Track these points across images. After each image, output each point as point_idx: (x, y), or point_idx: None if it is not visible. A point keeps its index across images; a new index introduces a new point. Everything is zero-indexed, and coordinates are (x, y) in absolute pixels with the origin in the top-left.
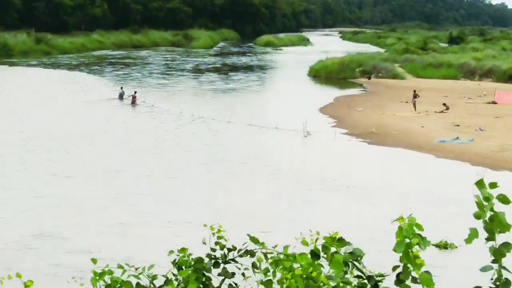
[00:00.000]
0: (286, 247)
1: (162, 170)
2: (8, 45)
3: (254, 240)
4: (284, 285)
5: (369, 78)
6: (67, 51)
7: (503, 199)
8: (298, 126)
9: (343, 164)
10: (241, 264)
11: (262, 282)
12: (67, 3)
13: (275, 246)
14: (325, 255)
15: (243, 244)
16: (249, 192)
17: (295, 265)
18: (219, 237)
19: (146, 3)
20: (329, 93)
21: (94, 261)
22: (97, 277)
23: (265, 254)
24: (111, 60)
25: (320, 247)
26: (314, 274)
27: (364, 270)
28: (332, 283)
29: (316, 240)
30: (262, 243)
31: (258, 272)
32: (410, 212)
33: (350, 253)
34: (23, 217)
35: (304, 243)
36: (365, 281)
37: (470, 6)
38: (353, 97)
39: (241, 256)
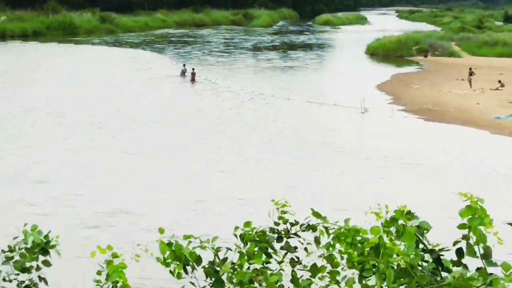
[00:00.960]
0: (347, 221)
1: (229, 148)
2: (74, 24)
3: (316, 214)
4: (345, 258)
5: (426, 56)
6: (131, 30)
7: None
8: (356, 103)
9: (402, 141)
10: (304, 239)
11: (324, 257)
12: None
13: (337, 221)
14: (394, 228)
15: (305, 219)
16: (315, 170)
17: (357, 238)
18: (283, 212)
19: None
20: (386, 71)
21: (161, 230)
22: (164, 247)
23: (326, 229)
24: (173, 39)
25: (389, 220)
26: (388, 244)
27: (427, 244)
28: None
29: (387, 213)
30: (324, 217)
31: (320, 247)
32: (475, 189)
33: (417, 226)
34: (98, 194)
35: (377, 215)
36: (427, 253)
37: None
38: (410, 74)
39: (303, 230)
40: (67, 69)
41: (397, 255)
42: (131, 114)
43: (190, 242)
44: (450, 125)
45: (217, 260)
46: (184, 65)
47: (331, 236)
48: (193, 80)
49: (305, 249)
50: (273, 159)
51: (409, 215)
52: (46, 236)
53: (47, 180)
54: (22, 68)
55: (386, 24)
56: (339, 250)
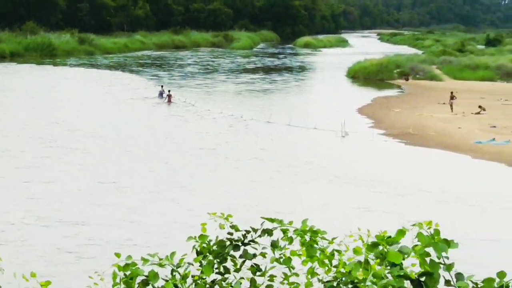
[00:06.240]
0: (304, 221)
1: (210, 170)
2: (52, 45)
3: (270, 220)
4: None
5: (407, 80)
6: (110, 51)
7: None
8: (336, 127)
9: (382, 165)
10: (259, 244)
11: (280, 261)
12: (110, 4)
13: (291, 222)
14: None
15: (261, 224)
16: (306, 194)
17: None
18: (232, 223)
19: (187, 4)
20: (367, 94)
21: (117, 255)
22: (119, 270)
23: (284, 232)
24: (151, 61)
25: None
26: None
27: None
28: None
29: (368, 237)
30: (281, 221)
31: (277, 249)
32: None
33: (399, 251)
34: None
35: (361, 239)
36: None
37: (508, 8)
38: (391, 98)
39: (260, 236)
40: (44, 91)
41: (383, 277)
42: (114, 140)
43: (146, 261)
44: (431, 149)
45: (178, 276)
46: (162, 86)
47: (292, 239)
48: (169, 101)
49: (262, 254)
50: (251, 185)
51: (390, 240)
52: None
53: (79, 222)
54: None
55: (367, 47)
56: (292, 252)
